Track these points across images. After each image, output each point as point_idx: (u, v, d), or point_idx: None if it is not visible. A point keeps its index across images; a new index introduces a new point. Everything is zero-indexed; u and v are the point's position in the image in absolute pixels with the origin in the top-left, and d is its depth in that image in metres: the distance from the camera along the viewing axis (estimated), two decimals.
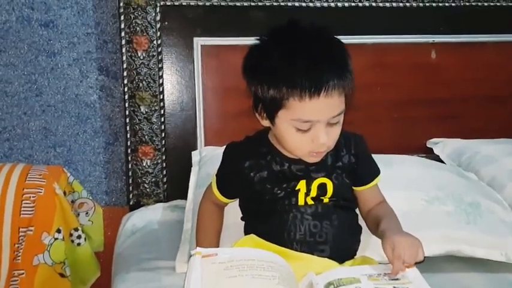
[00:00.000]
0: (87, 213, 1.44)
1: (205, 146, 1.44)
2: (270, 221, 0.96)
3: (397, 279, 0.85)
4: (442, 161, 1.49)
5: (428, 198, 1.14)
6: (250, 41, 1.52)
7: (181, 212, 1.35)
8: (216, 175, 1.06)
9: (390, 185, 1.10)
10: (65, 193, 1.37)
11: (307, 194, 0.95)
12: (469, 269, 1.07)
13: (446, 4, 1.52)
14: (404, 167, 1.24)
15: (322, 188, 0.95)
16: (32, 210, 1.26)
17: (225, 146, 1.06)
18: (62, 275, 1.26)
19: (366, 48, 1.51)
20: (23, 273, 1.22)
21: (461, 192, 1.16)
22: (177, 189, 1.43)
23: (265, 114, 0.93)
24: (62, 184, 1.36)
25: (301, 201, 0.94)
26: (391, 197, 1.05)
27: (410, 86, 1.56)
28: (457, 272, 1.06)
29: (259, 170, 0.97)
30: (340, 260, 0.93)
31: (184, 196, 1.38)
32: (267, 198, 0.96)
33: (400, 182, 1.17)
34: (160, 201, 1.43)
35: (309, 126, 0.88)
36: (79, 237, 1.34)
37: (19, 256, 1.22)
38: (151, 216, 1.35)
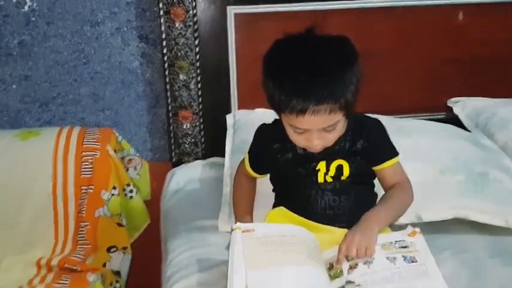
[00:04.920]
0: (135, 168, 1.62)
1: (238, 110, 1.58)
2: (295, 196, 1.11)
3: (406, 246, 1.01)
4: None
5: (442, 168, 1.27)
6: (282, 7, 1.60)
7: (218, 170, 1.52)
8: (248, 152, 1.21)
9: (408, 156, 1.22)
10: (115, 151, 1.55)
11: (326, 173, 1.08)
12: (473, 231, 1.21)
13: None
14: (423, 137, 1.36)
15: (339, 168, 1.08)
16: (91, 171, 1.45)
17: (257, 127, 1.20)
18: (119, 225, 1.48)
19: (394, 12, 1.56)
20: (87, 225, 1.43)
21: (473, 162, 1.29)
22: (213, 148, 1.60)
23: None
24: (113, 144, 1.54)
25: (320, 179, 1.09)
26: (407, 168, 1.16)
27: (435, 46, 1.63)
28: (462, 234, 1.21)
29: (285, 153, 1.10)
30: None
31: (219, 154, 1.55)
32: (291, 177, 1.11)
33: (417, 153, 1.29)
34: (199, 159, 1.61)
35: (304, 130, 1.00)
36: (131, 191, 1.54)
37: (83, 210, 1.43)
38: (192, 174, 1.54)
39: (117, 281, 1.40)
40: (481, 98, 1.65)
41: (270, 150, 1.13)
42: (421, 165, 1.27)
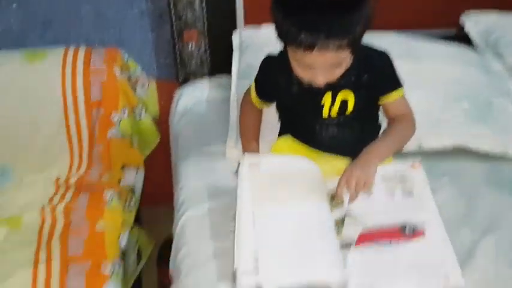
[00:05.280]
0: (142, 87, 1.64)
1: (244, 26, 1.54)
2: (300, 128, 1.14)
3: (405, 179, 1.06)
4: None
5: (448, 97, 1.28)
6: None
7: (224, 90, 1.54)
8: (254, 82, 1.21)
9: (415, 83, 1.23)
10: (122, 71, 1.56)
11: (331, 107, 1.10)
12: (473, 159, 1.24)
13: None
14: (431, 61, 1.35)
15: (344, 103, 1.09)
16: (100, 94, 1.47)
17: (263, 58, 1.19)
18: (131, 145, 1.54)
19: None
20: (100, 146, 1.49)
21: (479, 89, 1.29)
22: (219, 68, 1.60)
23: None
24: (119, 64, 1.54)
25: (325, 114, 1.11)
26: (412, 95, 1.16)
27: None
28: (461, 161, 1.25)
29: (291, 85, 1.11)
30: None
31: (226, 72, 1.56)
32: (296, 110, 1.13)
33: (425, 80, 1.29)
34: (206, 78, 1.62)
35: (309, 66, 0.99)
36: (140, 112, 1.57)
37: (96, 133, 1.48)
38: (199, 95, 1.55)
39: (131, 197, 1.50)
40: (495, 14, 1.59)
41: (276, 82, 1.14)
42: (427, 92, 1.28)
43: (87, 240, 1.24)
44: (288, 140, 1.16)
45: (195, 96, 1.56)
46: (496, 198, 1.15)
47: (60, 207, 1.34)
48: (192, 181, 1.22)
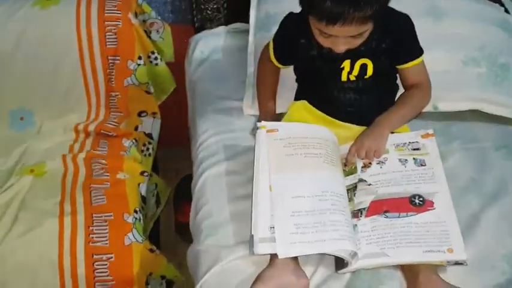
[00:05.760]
0: (157, 31, 1.62)
1: None
2: (317, 91, 1.15)
3: (418, 148, 1.09)
4: None
5: (466, 59, 1.26)
6: None
7: (241, 38, 1.52)
8: (273, 40, 1.19)
9: (434, 44, 1.22)
10: (136, 15, 1.53)
11: (350, 72, 1.10)
12: (487, 120, 1.26)
13: None
14: (453, 20, 1.30)
15: (363, 68, 1.09)
16: (115, 42, 1.46)
17: (284, 16, 1.16)
18: (147, 92, 1.55)
19: None
20: (118, 94, 1.51)
21: (498, 52, 1.27)
22: (237, 15, 1.56)
23: None
24: (133, 8, 1.51)
25: (344, 78, 1.11)
26: (431, 57, 1.16)
27: None
28: (474, 122, 1.26)
29: (311, 49, 1.10)
30: None
31: (243, 20, 1.53)
32: (315, 73, 1.13)
33: (444, 40, 1.27)
34: (222, 25, 1.58)
35: (329, 35, 0.99)
36: (156, 58, 1.56)
37: (113, 81, 1.49)
38: (215, 42, 1.53)
39: (149, 143, 1.54)
40: None
41: (296, 44, 1.12)
42: (446, 54, 1.26)
43: (110, 190, 1.30)
44: (304, 104, 1.17)
45: (212, 44, 1.53)
46: (504, 163, 1.16)
47: (82, 156, 1.39)
48: (210, 138, 1.25)
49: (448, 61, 1.26)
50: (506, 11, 1.45)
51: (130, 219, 1.25)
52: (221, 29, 1.58)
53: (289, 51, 1.16)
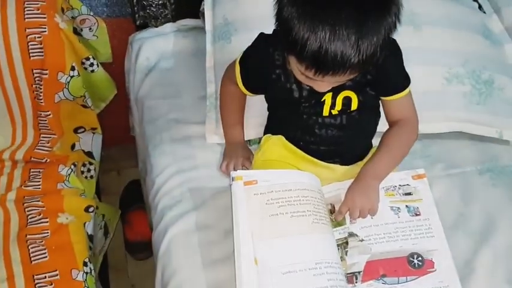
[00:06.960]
0: (90, 28, 1.35)
1: None
2: (295, 126, 1.00)
3: (410, 193, 0.99)
4: None
5: (449, 75, 1.15)
6: None
7: (194, 40, 1.32)
8: (240, 64, 1.01)
9: (415, 59, 1.09)
10: (63, 10, 1.26)
11: (332, 106, 0.96)
12: (464, 137, 1.17)
13: None
14: (434, 32, 1.17)
15: (347, 101, 0.96)
16: (42, 52, 1.19)
17: (255, 37, 0.98)
18: (85, 106, 1.31)
19: None
20: (48, 113, 1.26)
21: (482, 66, 1.17)
22: (185, 11, 1.33)
23: None
24: (59, 5, 1.24)
25: (325, 113, 0.97)
26: (412, 74, 1.03)
27: None
28: (454, 139, 1.17)
29: (288, 81, 0.95)
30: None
31: (192, 16, 1.32)
32: (292, 107, 0.98)
33: (425, 54, 1.14)
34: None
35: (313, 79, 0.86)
36: (91, 64, 1.31)
37: (41, 98, 1.23)
38: (163, 46, 1.31)
39: (90, 163, 1.33)
40: None
41: (270, 75, 0.96)
42: (428, 69, 1.14)
43: (51, 240, 1.10)
44: (281, 140, 1.01)
45: (159, 47, 1.31)
46: (491, 191, 1.10)
47: (11, 197, 1.16)
48: (170, 179, 1.06)
49: (430, 78, 1.14)
50: (480, 7, 1.35)
51: (80, 276, 1.06)
52: (168, 26, 1.34)
53: (261, 81, 0.99)
